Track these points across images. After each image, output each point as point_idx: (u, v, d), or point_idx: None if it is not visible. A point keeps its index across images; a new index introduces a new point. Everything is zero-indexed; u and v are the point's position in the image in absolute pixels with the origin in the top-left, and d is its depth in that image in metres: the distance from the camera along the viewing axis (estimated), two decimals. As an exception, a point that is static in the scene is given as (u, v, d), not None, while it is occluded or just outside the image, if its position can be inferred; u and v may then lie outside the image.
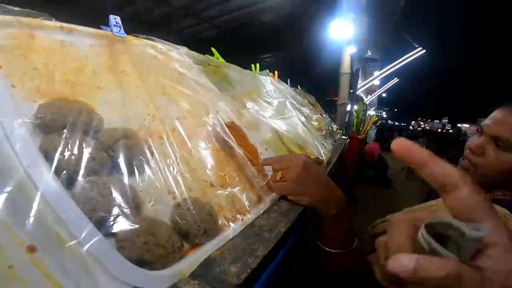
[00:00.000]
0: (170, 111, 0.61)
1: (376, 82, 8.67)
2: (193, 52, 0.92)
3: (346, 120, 3.59)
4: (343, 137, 2.40)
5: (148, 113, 0.58)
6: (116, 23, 0.68)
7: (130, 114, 0.55)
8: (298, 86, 2.37)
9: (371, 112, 10.64)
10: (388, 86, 10.86)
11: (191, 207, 0.43)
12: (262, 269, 0.41)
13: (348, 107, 3.75)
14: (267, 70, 1.77)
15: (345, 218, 0.60)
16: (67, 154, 0.36)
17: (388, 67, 6.47)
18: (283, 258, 0.49)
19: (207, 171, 0.57)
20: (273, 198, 0.64)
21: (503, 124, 0.70)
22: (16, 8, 0.52)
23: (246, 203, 0.56)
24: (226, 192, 0.55)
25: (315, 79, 6.84)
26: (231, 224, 0.48)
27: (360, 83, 6.16)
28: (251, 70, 1.69)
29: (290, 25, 4.13)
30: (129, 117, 0.54)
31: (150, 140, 0.51)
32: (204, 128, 0.63)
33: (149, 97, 0.61)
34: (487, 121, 0.74)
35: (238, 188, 0.58)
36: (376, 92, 10.27)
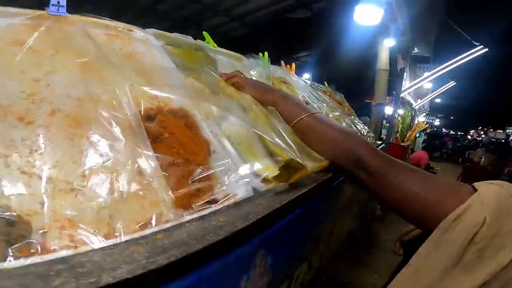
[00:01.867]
0: (65, 91, 0.44)
1: (428, 85, 7.83)
2: (165, 33, 0.77)
3: (386, 124, 3.19)
4: (378, 142, 2.07)
5: (24, 91, 0.41)
6: (57, 3, 0.58)
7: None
8: (325, 83, 2.11)
9: (421, 118, 9.71)
10: (443, 90, 9.76)
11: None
12: None
13: (387, 110, 3.34)
14: (282, 62, 1.56)
15: (285, 100, 0.71)
16: None
17: (441, 67, 5.73)
18: None
19: (78, 170, 0.38)
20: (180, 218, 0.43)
21: None
22: None
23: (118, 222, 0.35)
24: (94, 202, 0.35)
25: (354, 78, 6.36)
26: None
27: (405, 86, 5.57)
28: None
29: (325, 20, 3.83)
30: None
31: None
32: (107, 115, 0.44)
33: (45, 74, 0.45)
34: None
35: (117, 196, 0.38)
36: (427, 97, 9.30)
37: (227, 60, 0.95)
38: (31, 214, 0.33)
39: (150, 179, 0.44)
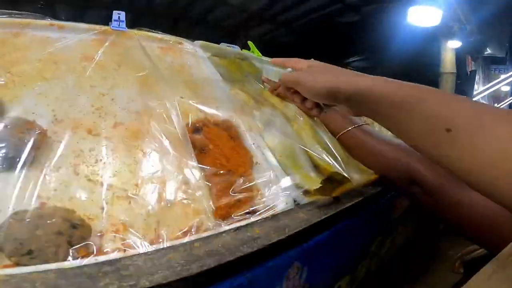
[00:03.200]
0: (126, 105, 0.49)
1: (505, 88, 6.87)
2: (212, 44, 0.81)
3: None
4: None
5: (93, 105, 0.47)
6: (118, 18, 0.66)
7: (70, 104, 0.46)
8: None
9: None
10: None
11: (28, 219, 0.30)
12: None
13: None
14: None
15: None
16: None
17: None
18: None
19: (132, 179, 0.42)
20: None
21: None
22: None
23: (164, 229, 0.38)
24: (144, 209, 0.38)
25: (411, 82, 5.84)
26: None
27: (478, 89, 4.95)
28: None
29: (376, 22, 3.63)
30: (65, 107, 0.45)
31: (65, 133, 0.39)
32: (161, 127, 0.48)
33: (109, 89, 0.51)
34: None
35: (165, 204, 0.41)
36: (505, 101, 8.15)
37: (272, 68, 0.96)
38: (92, 218, 0.38)
39: (194, 189, 0.47)
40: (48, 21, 0.58)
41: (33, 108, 0.44)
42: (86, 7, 3.62)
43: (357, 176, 0.64)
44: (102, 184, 0.44)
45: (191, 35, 0.77)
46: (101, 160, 0.44)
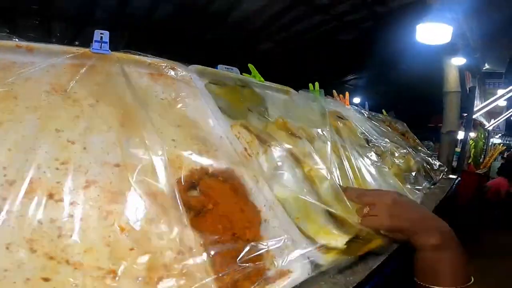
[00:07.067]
0: (102, 157, 0.39)
1: (502, 103, 6.89)
2: (209, 69, 0.72)
3: (458, 150, 2.78)
4: (452, 176, 1.78)
5: (57, 158, 0.37)
6: (100, 39, 0.56)
7: (26, 158, 0.35)
8: (383, 111, 1.92)
9: (496, 140, 8.54)
10: (521, 107, 8.51)
11: None
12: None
13: (460, 135, 2.92)
14: (334, 91, 1.44)
15: (451, 250, 0.52)
16: None
17: (520, 82, 4.98)
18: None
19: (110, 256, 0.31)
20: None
21: None
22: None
23: None
24: None
25: (414, 102, 5.83)
26: None
27: (477, 105, 4.93)
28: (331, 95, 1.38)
29: (375, 40, 3.62)
30: (19, 163, 0.35)
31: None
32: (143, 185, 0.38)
33: (82, 133, 0.41)
34: None
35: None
36: (502, 116, 8.17)
37: (274, 95, 0.87)
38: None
39: (190, 262, 0.37)
40: (14, 42, 0.48)
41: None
42: (84, 24, 3.56)
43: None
44: (68, 263, 0.33)
45: (188, 56, 0.68)
46: (66, 234, 0.34)
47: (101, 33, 0.56)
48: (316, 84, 1.12)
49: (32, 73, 0.46)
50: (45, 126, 0.41)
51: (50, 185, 0.35)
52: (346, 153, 0.74)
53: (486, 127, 6.44)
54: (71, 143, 0.40)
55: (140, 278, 0.32)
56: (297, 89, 1.02)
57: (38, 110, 0.42)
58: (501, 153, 6.66)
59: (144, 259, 0.33)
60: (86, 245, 0.34)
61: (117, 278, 0.32)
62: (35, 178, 0.35)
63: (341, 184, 0.66)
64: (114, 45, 0.57)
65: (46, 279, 0.31)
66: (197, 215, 0.39)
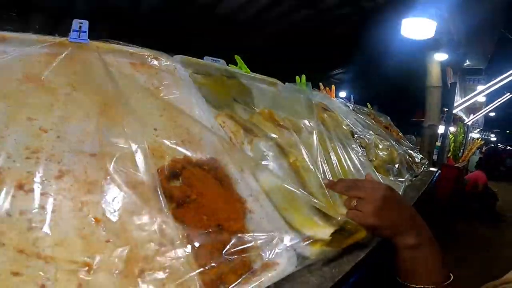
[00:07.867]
0: (77, 146, 0.37)
1: (481, 98, 7.14)
2: (194, 59, 0.70)
3: (438, 144, 2.87)
4: (432, 168, 1.83)
5: (28, 146, 0.34)
6: (79, 28, 0.54)
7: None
8: (368, 104, 1.94)
9: (475, 135, 8.85)
10: (498, 104, 8.83)
11: None
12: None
13: (440, 129, 3.02)
14: (321, 84, 1.45)
15: (430, 248, 0.53)
16: None
17: (497, 79, 5.15)
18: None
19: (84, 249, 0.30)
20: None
21: None
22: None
23: None
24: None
25: (398, 96, 5.95)
26: None
27: (458, 100, 5.07)
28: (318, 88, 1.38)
29: (362, 34, 3.65)
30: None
31: None
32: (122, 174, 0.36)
33: (56, 122, 0.39)
34: None
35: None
36: (481, 111, 8.46)
37: (262, 87, 0.86)
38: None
39: (173, 255, 0.35)
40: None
41: None
42: (63, 16, 3.41)
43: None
44: (39, 256, 0.31)
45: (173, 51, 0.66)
46: (37, 226, 0.32)
47: (80, 23, 0.53)
48: (303, 76, 1.12)
49: (2, 62, 0.43)
50: (16, 114, 0.38)
51: (20, 175, 0.33)
52: (332, 144, 0.74)
53: (465, 122, 6.66)
54: (44, 132, 0.37)
55: (117, 271, 0.31)
56: (283, 82, 1.01)
57: (9, 97, 0.40)
58: (479, 147, 6.93)
59: (122, 251, 0.31)
60: (58, 237, 0.32)
61: (92, 272, 0.30)
62: (4, 167, 0.33)
63: (327, 175, 0.66)
64: (96, 37, 0.54)
65: (16, 274, 0.29)
66: (181, 205, 0.38)
